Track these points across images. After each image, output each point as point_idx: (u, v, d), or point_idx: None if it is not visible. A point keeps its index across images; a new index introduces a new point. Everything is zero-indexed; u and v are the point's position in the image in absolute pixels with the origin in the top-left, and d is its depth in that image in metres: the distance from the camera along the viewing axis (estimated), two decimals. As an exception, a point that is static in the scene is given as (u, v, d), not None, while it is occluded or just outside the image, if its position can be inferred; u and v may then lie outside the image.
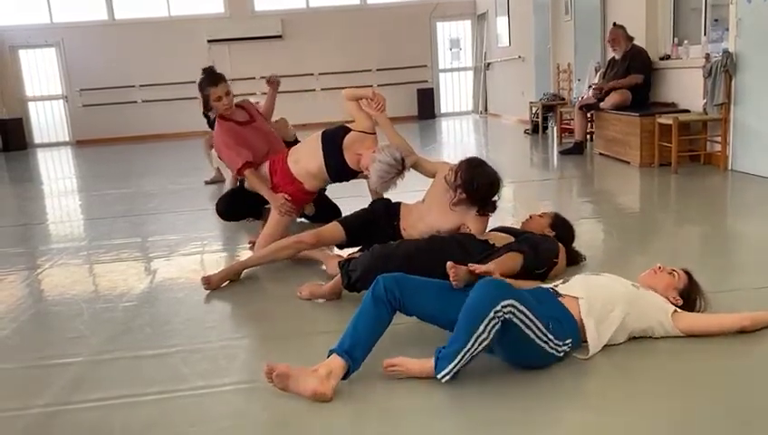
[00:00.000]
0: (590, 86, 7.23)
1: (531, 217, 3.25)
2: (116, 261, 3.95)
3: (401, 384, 2.11)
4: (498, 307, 1.95)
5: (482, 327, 1.96)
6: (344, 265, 2.83)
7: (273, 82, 4.31)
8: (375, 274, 2.69)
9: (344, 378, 2.09)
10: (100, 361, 2.49)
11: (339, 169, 3.63)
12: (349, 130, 3.62)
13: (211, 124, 6.70)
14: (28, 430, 2.02)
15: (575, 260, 3.17)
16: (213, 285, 3.22)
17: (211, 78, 3.92)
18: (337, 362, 2.07)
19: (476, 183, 2.96)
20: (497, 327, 1.96)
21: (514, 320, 1.98)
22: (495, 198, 3.05)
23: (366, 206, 3.49)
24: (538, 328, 2.05)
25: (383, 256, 2.78)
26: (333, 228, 3.31)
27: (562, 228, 3.17)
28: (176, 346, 2.57)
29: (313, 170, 3.65)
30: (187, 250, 4.10)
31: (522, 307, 2.00)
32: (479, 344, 1.98)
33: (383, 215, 3.34)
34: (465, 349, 1.99)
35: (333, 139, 3.61)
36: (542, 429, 1.88)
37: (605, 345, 2.24)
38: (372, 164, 3.37)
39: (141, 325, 2.84)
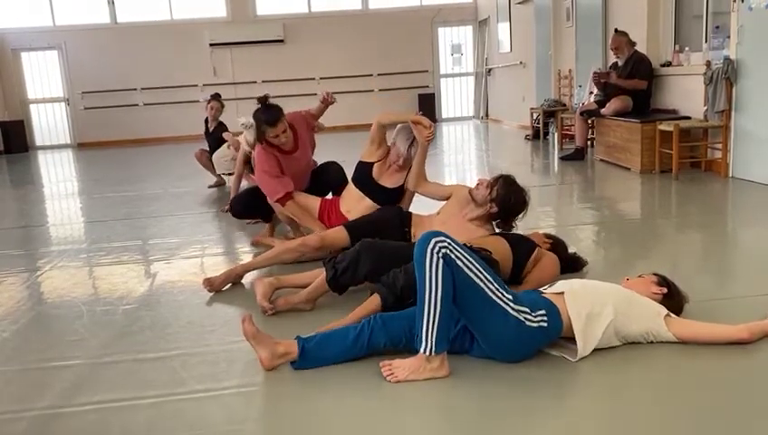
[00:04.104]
0: (590, 93, 7.24)
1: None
2: (116, 264, 3.95)
3: (403, 386, 2.11)
4: (431, 244, 2.08)
5: (427, 273, 2.06)
6: (330, 259, 2.85)
7: (326, 101, 4.08)
8: (363, 261, 2.74)
9: (292, 363, 2.27)
10: (100, 363, 2.49)
11: (386, 197, 3.71)
12: (368, 163, 3.72)
13: (208, 132, 6.74)
14: (27, 432, 2.02)
15: (576, 266, 3.18)
16: (215, 287, 3.23)
17: (269, 117, 3.66)
18: (294, 349, 2.26)
19: (513, 199, 3.13)
20: (441, 266, 2.05)
21: (452, 256, 2.07)
22: (521, 216, 3.21)
23: (373, 211, 3.54)
24: (481, 273, 2.11)
25: (373, 247, 2.82)
26: (338, 232, 3.33)
27: (557, 242, 3.23)
28: (176, 349, 2.57)
29: (368, 211, 3.67)
30: (188, 253, 4.10)
31: (457, 246, 2.10)
32: (434, 294, 2.05)
33: (394, 220, 3.37)
34: (426, 307, 2.07)
35: (364, 178, 3.72)
36: (533, 429, 1.88)
37: (599, 349, 2.23)
38: (395, 139, 3.61)
39: (141, 328, 2.84)
